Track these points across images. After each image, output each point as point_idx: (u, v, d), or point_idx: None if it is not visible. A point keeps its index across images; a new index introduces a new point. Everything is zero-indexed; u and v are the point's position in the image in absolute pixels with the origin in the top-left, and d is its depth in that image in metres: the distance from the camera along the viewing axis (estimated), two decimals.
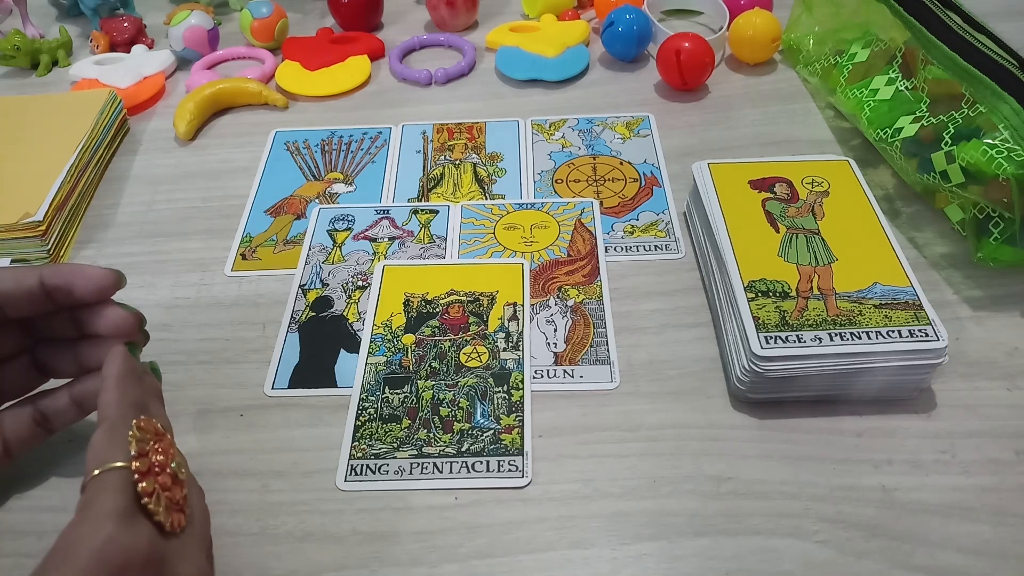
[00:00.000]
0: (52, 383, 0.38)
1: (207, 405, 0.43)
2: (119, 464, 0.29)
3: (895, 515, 0.36)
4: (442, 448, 0.40)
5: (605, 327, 0.46)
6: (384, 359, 0.44)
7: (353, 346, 0.45)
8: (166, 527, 0.29)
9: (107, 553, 0.26)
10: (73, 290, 0.35)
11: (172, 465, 0.31)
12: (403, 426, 0.41)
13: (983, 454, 0.39)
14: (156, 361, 0.38)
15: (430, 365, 0.44)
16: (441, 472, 0.39)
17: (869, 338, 0.39)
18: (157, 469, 0.30)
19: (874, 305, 0.40)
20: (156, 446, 0.31)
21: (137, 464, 0.29)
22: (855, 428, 0.40)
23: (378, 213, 0.55)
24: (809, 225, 0.45)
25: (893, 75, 0.54)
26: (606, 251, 0.51)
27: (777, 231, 0.45)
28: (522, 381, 0.43)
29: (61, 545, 0.27)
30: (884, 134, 0.52)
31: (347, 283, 0.49)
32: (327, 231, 0.53)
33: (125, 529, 0.27)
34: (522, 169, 0.58)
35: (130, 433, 0.30)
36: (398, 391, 0.43)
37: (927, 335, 0.39)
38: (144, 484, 0.28)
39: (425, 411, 0.42)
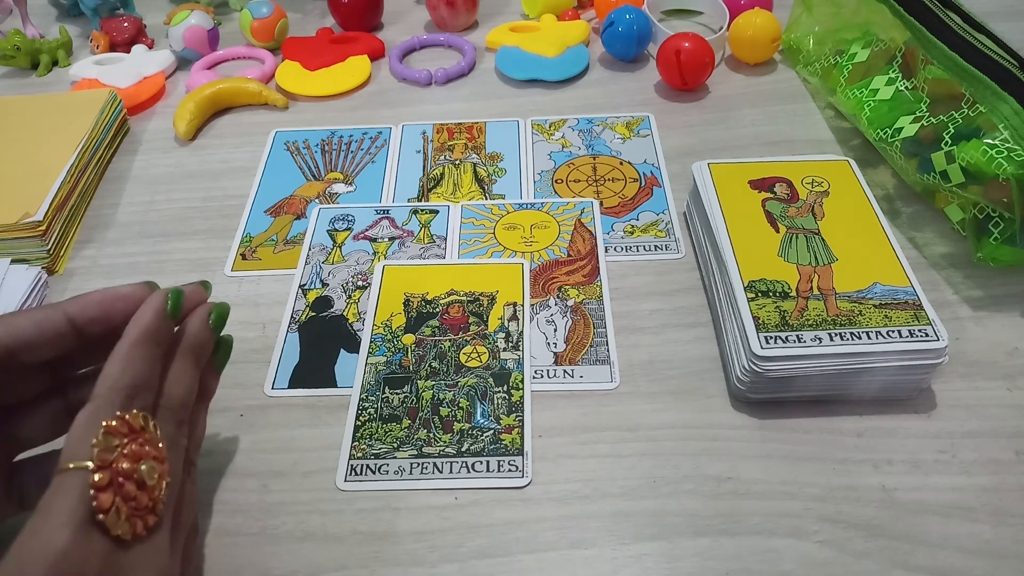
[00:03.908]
0: None
1: None
2: (85, 465, 0.27)
3: (895, 515, 0.36)
4: (442, 448, 0.40)
5: (605, 327, 0.46)
6: (384, 359, 0.44)
7: (353, 346, 0.45)
8: (126, 539, 0.27)
9: (60, 569, 0.25)
10: (112, 318, 0.31)
11: (142, 468, 0.28)
12: (403, 426, 0.41)
13: (983, 454, 0.39)
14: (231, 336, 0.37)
15: (430, 365, 0.44)
16: (441, 472, 0.39)
17: (869, 338, 0.39)
18: (121, 480, 0.27)
19: (874, 305, 0.40)
20: (125, 449, 0.28)
21: (98, 477, 0.27)
22: (855, 428, 0.40)
23: (378, 213, 0.55)
24: (809, 225, 0.45)
25: (893, 75, 0.54)
26: (606, 251, 0.51)
27: (777, 231, 0.45)
28: (522, 381, 0.43)
29: (15, 555, 0.26)
30: (884, 134, 0.52)
31: (347, 283, 0.49)
32: (327, 231, 0.53)
33: (80, 542, 0.26)
34: (522, 169, 0.58)
35: (94, 441, 0.27)
36: (398, 391, 0.43)
37: (927, 335, 0.39)
38: (102, 497, 0.27)
39: (425, 411, 0.42)
